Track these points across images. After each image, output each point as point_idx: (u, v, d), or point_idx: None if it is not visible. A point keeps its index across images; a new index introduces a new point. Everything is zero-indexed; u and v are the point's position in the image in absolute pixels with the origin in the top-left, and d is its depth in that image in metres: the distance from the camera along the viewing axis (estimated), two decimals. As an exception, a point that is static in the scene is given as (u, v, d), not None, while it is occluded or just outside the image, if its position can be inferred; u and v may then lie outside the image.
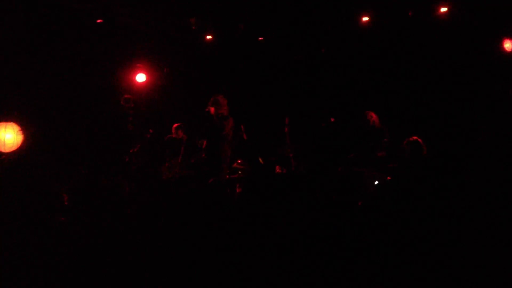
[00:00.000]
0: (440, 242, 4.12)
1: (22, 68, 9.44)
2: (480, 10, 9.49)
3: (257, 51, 12.12)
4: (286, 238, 4.41)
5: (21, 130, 8.55)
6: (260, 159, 10.29)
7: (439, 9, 10.03)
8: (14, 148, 8.65)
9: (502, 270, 3.73)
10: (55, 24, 9.88)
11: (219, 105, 8.67)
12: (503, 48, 9.22)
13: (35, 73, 9.66)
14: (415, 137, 7.28)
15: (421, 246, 4.11)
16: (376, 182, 7.65)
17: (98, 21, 10.51)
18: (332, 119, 9.96)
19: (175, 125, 10.91)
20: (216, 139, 8.64)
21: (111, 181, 8.64)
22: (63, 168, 9.46)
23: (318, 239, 4.34)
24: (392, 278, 3.91)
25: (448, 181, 5.37)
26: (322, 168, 9.57)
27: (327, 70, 11.84)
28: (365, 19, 10.74)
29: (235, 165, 10.01)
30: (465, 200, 4.73)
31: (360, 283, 3.96)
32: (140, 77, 11.57)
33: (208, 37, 11.85)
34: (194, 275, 4.24)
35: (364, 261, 4.07)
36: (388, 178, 7.70)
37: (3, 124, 8.64)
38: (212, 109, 8.57)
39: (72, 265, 4.26)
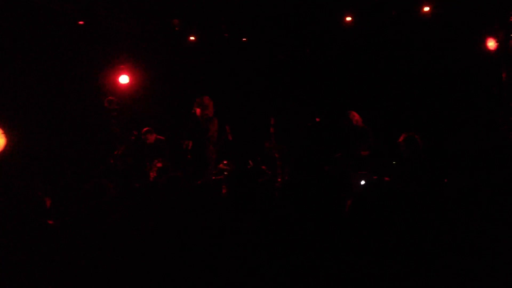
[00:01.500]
0: (437, 240, 4.12)
1: (4, 70, 9.34)
2: (463, 9, 9.55)
3: (241, 52, 12.11)
4: (274, 238, 4.38)
5: (3, 133, 8.44)
6: (250, 162, 10.26)
7: (422, 8, 10.09)
8: (-3, 151, 8.54)
9: (499, 269, 3.73)
10: (37, 26, 9.79)
11: (205, 106, 8.66)
12: (486, 47, 9.28)
13: (17, 76, 9.56)
14: (411, 133, 7.22)
15: (418, 244, 4.10)
16: (363, 182, 7.64)
17: (80, 22, 10.42)
18: (318, 119, 9.95)
19: (144, 129, 10.72)
20: (201, 140, 8.62)
21: (95, 184, 8.55)
22: (46, 171, 9.37)
23: (306, 239, 4.32)
24: (385, 279, 3.90)
25: (443, 178, 5.39)
26: (308, 168, 9.57)
27: (312, 70, 11.86)
28: (348, 19, 10.79)
29: (220, 166, 9.97)
30: (461, 197, 4.74)
31: (350, 285, 3.94)
32: (123, 79, 11.48)
33: (191, 38, 11.83)
34: (183, 277, 4.20)
35: (355, 262, 4.05)
36: (375, 177, 7.71)
37: (-14, 127, 8.53)
38: (198, 111, 8.57)
39: (58, 269, 4.21)
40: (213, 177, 9.21)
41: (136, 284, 4.25)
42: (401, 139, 7.24)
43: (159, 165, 9.95)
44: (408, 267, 3.85)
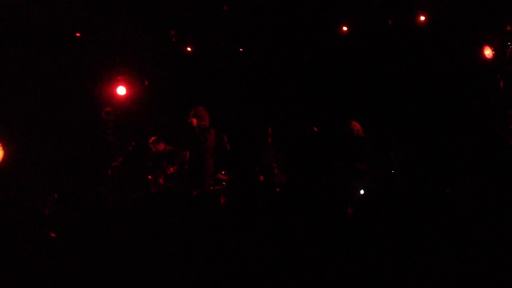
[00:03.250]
0: (435, 246, 4.11)
1: (2, 81, 9.35)
2: (460, 17, 9.58)
3: (238, 61, 12.13)
4: (273, 248, 4.37)
5: (1, 144, 8.43)
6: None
7: (419, 18, 10.10)
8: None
9: (499, 269, 3.72)
10: (35, 37, 9.81)
11: (200, 116, 8.66)
12: (483, 55, 9.30)
13: (15, 87, 9.57)
14: (401, 143, 7.26)
15: (413, 250, 4.10)
16: (362, 191, 7.63)
17: (77, 34, 10.45)
18: (315, 128, 9.95)
19: (152, 139, 10.74)
20: (198, 151, 8.62)
21: (93, 194, 8.54)
22: (45, 181, 9.35)
23: (304, 248, 4.31)
24: (381, 285, 3.89)
25: (437, 186, 5.39)
26: (306, 177, 9.56)
27: (309, 78, 11.87)
28: (344, 28, 10.82)
29: (219, 176, 9.96)
30: (459, 205, 4.74)
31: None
32: (121, 90, 11.48)
33: (188, 49, 11.85)
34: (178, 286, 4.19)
35: (352, 270, 4.04)
36: (373, 186, 7.70)
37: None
38: (194, 121, 8.57)
39: (56, 277, 4.19)
40: (211, 187, 9.18)
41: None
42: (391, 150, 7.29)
43: (172, 170, 9.98)
44: (408, 271, 3.85)
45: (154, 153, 10.71)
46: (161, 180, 9.97)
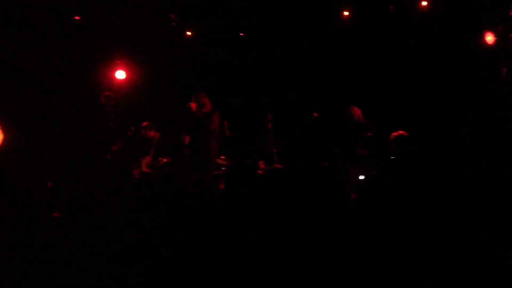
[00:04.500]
0: (430, 238, 4.10)
1: (0, 66, 9.31)
2: (462, 3, 9.52)
3: (238, 46, 12.07)
4: (272, 234, 4.36)
5: (1, 129, 8.39)
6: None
7: (420, 3, 10.05)
8: (-5, 147, 8.48)
9: (498, 268, 3.71)
10: (33, 21, 9.74)
11: (200, 101, 8.66)
12: (485, 41, 9.23)
13: (13, 71, 9.52)
14: (400, 132, 7.21)
15: (410, 242, 4.09)
16: (362, 177, 7.62)
17: (76, 18, 10.38)
18: (315, 114, 9.92)
19: (144, 123, 10.70)
20: (201, 135, 8.60)
21: (93, 180, 8.54)
22: (44, 167, 9.32)
23: (304, 235, 4.30)
24: (382, 275, 3.88)
25: (438, 177, 5.36)
26: (306, 164, 9.54)
27: (310, 65, 11.82)
28: (346, 13, 10.77)
29: (218, 161, 9.94)
30: (455, 196, 4.72)
31: (349, 280, 3.92)
32: (120, 74, 11.42)
33: (188, 33, 11.78)
34: (180, 273, 4.18)
35: (353, 258, 4.03)
36: (374, 172, 7.67)
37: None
38: (193, 105, 8.56)
39: (59, 262, 4.19)
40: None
41: (134, 277, 4.23)
42: (391, 137, 7.23)
43: (164, 160, 9.98)
44: (403, 264, 3.84)
45: (143, 137, 10.63)
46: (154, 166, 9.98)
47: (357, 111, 9.08)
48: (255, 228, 4.45)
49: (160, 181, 7.69)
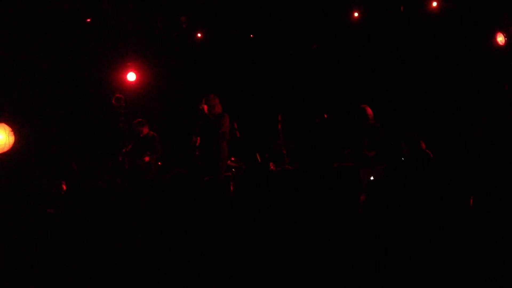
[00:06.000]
0: (439, 239, 4.10)
1: (13, 69, 9.38)
2: (472, 3, 9.48)
3: (249, 48, 12.08)
4: (282, 235, 4.37)
5: (12, 131, 8.45)
6: (258, 156, 10.23)
7: (431, 4, 10.03)
8: (5, 149, 8.54)
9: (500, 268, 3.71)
10: (45, 24, 9.81)
11: (211, 103, 8.69)
12: (495, 42, 9.20)
13: (26, 74, 9.60)
14: (411, 133, 7.21)
15: (420, 242, 4.08)
16: (372, 178, 7.60)
17: (87, 20, 10.44)
18: (326, 115, 9.90)
19: (135, 121, 10.53)
20: (211, 136, 8.64)
21: (104, 181, 8.58)
22: (55, 169, 9.39)
23: (314, 235, 4.31)
24: (390, 275, 3.88)
25: (448, 177, 5.35)
26: (316, 165, 9.53)
27: (320, 66, 11.81)
28: (356, 14, 10.76)
29: (228, 162, 9.94)
30: (464, 196, 4.71)
31: (358, 280, 3.92)
32: (131, 76, 11.49)
33: (199, 35, 11.81)
34: (188, 274, 4.20)
35: (361, 258, 4.03)
36: (384, 173, 7.66)
37: (-5, 125, 8.54)
38: (205, 107, 8.61)
39: (67, 264, 4.22)
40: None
41: (144, 277, 4.26)
42: (402, 139, 7.22)
43: (147, 159, 9.91)
44: (412, 264, 3.84)
45: (138, 135, 10.41)
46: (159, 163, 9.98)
47: (368, 110, 9.03)
48: (265, 229, 4.46)
49: (170, 182, 7.72)
